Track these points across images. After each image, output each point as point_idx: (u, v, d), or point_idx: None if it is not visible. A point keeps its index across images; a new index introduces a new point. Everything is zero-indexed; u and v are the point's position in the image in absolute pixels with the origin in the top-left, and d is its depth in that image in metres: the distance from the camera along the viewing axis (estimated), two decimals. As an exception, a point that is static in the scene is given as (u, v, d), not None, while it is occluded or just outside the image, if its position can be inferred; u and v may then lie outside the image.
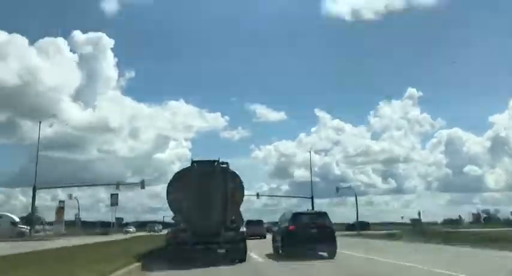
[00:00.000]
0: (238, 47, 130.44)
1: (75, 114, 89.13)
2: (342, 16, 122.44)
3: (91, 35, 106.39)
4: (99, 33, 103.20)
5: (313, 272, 11.08)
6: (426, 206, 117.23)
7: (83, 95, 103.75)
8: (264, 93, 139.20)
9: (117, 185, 51.64)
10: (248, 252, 13.74)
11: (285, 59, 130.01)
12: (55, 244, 23.56)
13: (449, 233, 31.24)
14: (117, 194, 61.72)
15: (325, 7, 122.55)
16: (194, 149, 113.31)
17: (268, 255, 15.38)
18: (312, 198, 59.89)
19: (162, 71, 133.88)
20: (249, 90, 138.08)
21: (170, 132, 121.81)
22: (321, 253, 14.50)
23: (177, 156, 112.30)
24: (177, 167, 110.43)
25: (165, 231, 42.87)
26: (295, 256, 13.54)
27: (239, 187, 13.72)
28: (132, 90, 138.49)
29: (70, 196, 58.68)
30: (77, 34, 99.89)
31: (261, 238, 30.98)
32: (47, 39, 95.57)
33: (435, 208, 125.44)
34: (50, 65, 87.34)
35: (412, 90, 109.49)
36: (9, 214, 47.08)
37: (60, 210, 58.21)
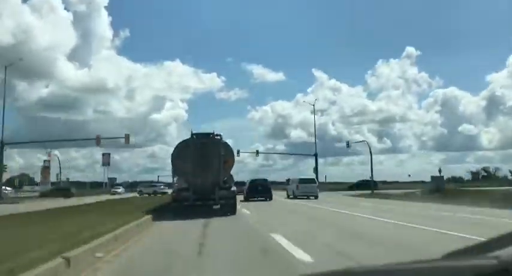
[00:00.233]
0: (233, 6, 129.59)
1: (70, 74, 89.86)
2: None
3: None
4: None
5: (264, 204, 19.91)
6: (421, 165, 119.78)
7: (78, 55, 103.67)
8: (260, 54, 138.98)
9: (98, 139, 45.71)
10: None
11: (282, 18, 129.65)
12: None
13: (477, 192, 28.92)
14: (109, 154, 63.16)
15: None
16: (190, 111, 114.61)
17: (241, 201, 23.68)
18: (316, 155, 57.86)
19: (157, 31, 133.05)
20: (245, 51, 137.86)
21: (166, 92, 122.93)
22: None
23: (173, 117, 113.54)
24: (173, 128, 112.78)
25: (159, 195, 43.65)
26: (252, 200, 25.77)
27: (230, 154, 16.99)
28: (127, 50, 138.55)
29: (49, 153, 56.93)
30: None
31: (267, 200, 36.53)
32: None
33: (430, 167, 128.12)
34: (43, 23, 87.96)
35: (410, 49, 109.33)
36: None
37: (45, 170, 57.02)
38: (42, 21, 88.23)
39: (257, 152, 61.26)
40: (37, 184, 64.96)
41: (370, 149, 51.13)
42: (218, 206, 16.61)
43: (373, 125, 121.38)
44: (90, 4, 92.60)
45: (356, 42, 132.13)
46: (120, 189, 63.24)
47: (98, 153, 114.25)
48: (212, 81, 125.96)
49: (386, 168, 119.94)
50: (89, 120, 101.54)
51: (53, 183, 59.73)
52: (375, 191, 42.67)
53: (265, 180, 31.93)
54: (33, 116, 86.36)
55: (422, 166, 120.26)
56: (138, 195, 50.37)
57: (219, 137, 16.67)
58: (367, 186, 48.45)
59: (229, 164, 16.76)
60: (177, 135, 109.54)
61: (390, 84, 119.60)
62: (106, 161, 64.26)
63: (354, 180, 69.93)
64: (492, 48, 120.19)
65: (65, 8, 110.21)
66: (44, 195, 49.18)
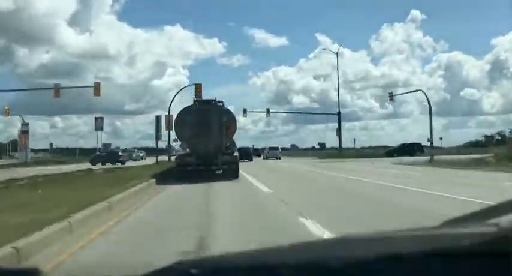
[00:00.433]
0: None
1: (70, 39, 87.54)
2: None
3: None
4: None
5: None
6: (424, 130, 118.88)
7: (77, 20, 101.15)
8: (262, 18, 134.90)
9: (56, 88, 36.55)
10: None
11: None
12: None
13: None
14: (102, 118, 60.85)
15: None
16: (192, 77, 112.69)
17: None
18: (338, 113, 53.29)
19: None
20: (247, 15, 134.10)
21: (167, 58, 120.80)
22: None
23: (174, 83, 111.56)
24: (174, 94, 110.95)
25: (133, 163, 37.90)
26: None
27: (232, 121, 17.38)
28: (128, 15, 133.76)
29: (22, 119, 50.99)
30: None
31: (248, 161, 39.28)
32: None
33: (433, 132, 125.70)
34: None
35: (415, 13, 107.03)
36: None
37: (22, 136, 50.34)
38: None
39: (268, 111, 56.09)
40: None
41: (429, 103, 36.51)
42: (221, 171, 17.16)
43: (376, 90, 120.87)
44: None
45: (361, 6, 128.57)
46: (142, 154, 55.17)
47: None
48: (213, 46, 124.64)
49: (388, 134, 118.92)
50: (89, 87, 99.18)
51: (45, 150, 58.14)
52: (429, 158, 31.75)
53: (248, 147, 50.35)
54: (34, 82, 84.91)
55: (425, 131, 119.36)
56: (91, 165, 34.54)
57: (220, 104, 17.04)
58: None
59: (231, 130, 17.20)
60: (179, 101, 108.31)
61: (394, 48, 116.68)
62: (99, 125, 61.71)
63: (369, 145, 65.80)
64: (500, 10, 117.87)
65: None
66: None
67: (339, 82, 61.24)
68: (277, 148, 54.86)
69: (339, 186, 13.97)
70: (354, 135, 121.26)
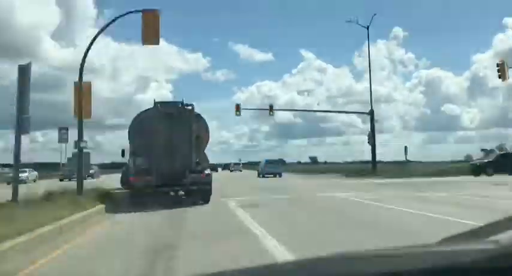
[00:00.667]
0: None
1: (54, 53, 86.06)
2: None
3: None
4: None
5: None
6: (406, 145, 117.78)
7: (61, 34, 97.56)
8: (247, 34, 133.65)
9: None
10: None
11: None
12: None
13: None
14: (67, 128, 56.95)
15: None
16: (175, 91, 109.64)
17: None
18: (371, 113, 35.82)
19: (141, 9, 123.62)
20: (231, 30, 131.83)
21: (151, 73, 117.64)
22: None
23: (158, 97, 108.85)
24: None
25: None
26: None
27: (204, 129, 13.54)
28: (112, 29, 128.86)
29: None
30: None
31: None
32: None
33: (413, 148, 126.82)
34: (28, 1, 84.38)
35: (397, 30, 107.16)
36: None
37: None
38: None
39: (270, 108, 37.56)
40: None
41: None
42: (186, 194, 13.36)
43: (358, 106, 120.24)
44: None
45: (345, 23, 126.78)
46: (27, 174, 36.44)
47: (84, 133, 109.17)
48: (197, 61, 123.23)
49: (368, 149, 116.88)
50: (71, 100, 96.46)
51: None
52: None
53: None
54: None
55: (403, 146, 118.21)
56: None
57: (190, 107, 13.23)
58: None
59: (202, 140, 13.40)
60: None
61: (377, 65, 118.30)
62: (63, 137, 56.07)
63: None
64: (480, 29, 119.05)
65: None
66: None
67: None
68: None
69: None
70: (336, 149, 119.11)
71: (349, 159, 63.99)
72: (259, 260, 4.71)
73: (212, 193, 13.00)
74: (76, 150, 13.21)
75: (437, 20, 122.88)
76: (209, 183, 12.93)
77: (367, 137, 35.84)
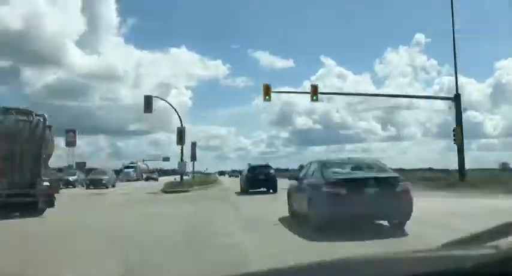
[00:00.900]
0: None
1: (78, 61, 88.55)
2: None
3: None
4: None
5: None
6: (424, 153, 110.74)
7: (85, 42, 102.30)
8: (267, 40, 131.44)
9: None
10: None
11: (290, 5, 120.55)
12: None
13: None
14: (74, 131, 56.35)
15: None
16: (194, 98, 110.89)
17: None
18: (458, 97, 25.52)
19: (163, 17, 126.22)
20: (251, 38, 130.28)
21: (171, 79, 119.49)
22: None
23: (178, 104, 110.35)
24: (177, 115, 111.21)
25: None
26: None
27: (44, 138, 12.03)
28: (134, 37, 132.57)
29: None
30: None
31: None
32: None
33: (432, 155, 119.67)
34: (53, 9, 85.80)
35: (419, 36, 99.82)
36: None
37: None
38: (51, 7, 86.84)
39: (315, 89, 27.41)
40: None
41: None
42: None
43: (378, 112, 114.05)
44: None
45: (365, 29, 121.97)
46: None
47: (102, 140, 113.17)
48: (217, 68, 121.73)
49: (388, 156, 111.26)
50: (95, 107, 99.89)
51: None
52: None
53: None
54: (40, 102, 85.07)
55: (424, 154, 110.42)
56: None
57: (26, 113, 11.82)
58: None
59: (39, 149, 11.90)
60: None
61: (398, 71, 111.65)
62: (70, 140, 55.46)
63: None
64: (505, 33, 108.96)
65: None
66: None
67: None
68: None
69: None
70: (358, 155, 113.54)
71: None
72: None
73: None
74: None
75: (461, 25, 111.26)
76: (48, 196, 11.54)
77: (452, 133, 24.91)
